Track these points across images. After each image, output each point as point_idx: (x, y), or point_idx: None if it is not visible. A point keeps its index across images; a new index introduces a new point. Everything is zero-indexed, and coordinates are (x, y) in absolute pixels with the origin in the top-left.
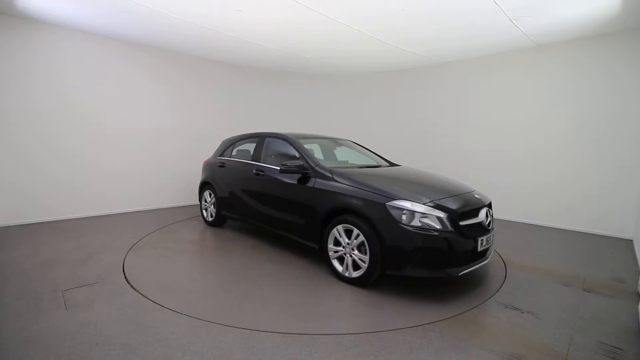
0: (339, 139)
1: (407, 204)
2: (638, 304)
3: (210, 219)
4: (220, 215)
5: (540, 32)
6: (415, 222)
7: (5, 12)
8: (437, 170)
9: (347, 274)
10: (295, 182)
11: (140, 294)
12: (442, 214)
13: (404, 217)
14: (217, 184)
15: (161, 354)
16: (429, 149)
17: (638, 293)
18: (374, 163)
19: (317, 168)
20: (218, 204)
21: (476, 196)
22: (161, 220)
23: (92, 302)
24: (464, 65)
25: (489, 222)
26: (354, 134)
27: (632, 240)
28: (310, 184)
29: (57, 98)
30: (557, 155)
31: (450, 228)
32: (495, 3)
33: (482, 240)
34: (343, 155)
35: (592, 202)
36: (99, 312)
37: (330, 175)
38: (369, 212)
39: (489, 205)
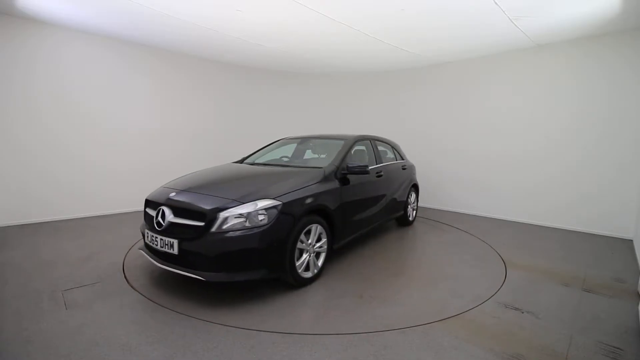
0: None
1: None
2: (638, 304)
3: None
4: None
5: (540, 32)
6: None
7: (5, 12)
8: (437, 170)
9: None
10: None
11: (140, 294)
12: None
13: None
14: None
15: (161, 354)
16: (429, 149)
17: (638, 293)
18: (306, 165)
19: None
20: None
21: (171, 195)
22: None
23: (92, 302)
24: (464, 65)
25: (159, 224)
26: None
27: (632, 240)
28: None
29: (57, 98)
30: (557, 155)
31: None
32: (495, 3)
33: (147, 235)
34: (310, 154)
35: (592, 202)
36: (99, 312)
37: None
38: None
39: (180, 209)
